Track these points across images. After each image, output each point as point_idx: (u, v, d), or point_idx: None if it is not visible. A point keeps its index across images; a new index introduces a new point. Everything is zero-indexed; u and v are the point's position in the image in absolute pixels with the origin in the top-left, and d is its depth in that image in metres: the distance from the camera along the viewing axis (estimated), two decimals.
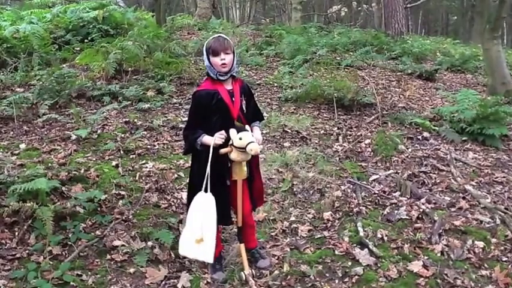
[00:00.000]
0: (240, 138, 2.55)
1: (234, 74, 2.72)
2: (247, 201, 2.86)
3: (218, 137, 2.59)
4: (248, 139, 2.54)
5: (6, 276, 2.59)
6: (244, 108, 2.73)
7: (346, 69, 7.67)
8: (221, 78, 2.64)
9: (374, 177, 4.34)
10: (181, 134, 3.15)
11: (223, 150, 2.63)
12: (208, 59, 2.62)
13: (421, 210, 3.71)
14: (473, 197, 3.97)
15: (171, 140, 4.73)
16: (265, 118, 2.93)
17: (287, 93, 6.36)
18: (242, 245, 2.85)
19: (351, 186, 4.16)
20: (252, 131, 2.68)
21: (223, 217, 2.75)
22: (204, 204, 2.60)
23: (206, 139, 2.62)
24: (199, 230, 2.57)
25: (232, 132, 2.59)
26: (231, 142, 2.59)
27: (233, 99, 2.69)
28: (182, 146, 4.42)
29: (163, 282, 2.76)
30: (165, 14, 11.13)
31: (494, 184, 4.29)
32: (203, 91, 2.69)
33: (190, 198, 2.77)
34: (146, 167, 4.07)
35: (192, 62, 7.67)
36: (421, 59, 9.81)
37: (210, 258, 2.60)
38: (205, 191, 2.61)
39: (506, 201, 3.95)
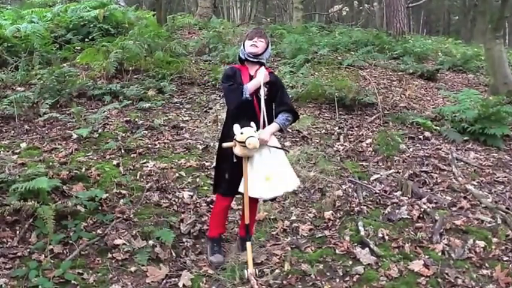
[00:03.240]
0: (242, 133, 2.63)
1: (263, 61, 2.91)
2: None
3: (264, 74, 2.81)
4: (248, 134, 2.62)
5: (7, 275, 2.60)
6: (263, 94, 2.81)
7: (347, 69, 7.66)
8: (249, 58, 2.85)
9: (375, 176, 4.33)
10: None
11: (226, 145, 2.70)
12: (244, 44, 2.89)
13: (422, 209, 3.71)
14: (474, 197, 3.96)
15: (172, 140, 4.73)
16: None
17: (288, 92, 6.35)
18: (249, 243, 2.85)
19: (352, 185, 4.16)
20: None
21: (233, 188, 2.87)
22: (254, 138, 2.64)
23: (250, 85, 2.79)
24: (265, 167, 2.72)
25: (236, 127, 2.67)
26: (234, 137, 2.64)
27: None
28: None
29: (164, 281, 2.76)
30: (165, 13, 11.13)
31: (495, 184, 4.28)
32: (230, 67, 3.04)
33: (217, 178, 3.00)
34: (147, 166, 4.08)
35: (193, 61, 7.67)
36: (423, 58, 9.80)
37: (295, 183, 2.87)
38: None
39: (508, 201, 3.95)
